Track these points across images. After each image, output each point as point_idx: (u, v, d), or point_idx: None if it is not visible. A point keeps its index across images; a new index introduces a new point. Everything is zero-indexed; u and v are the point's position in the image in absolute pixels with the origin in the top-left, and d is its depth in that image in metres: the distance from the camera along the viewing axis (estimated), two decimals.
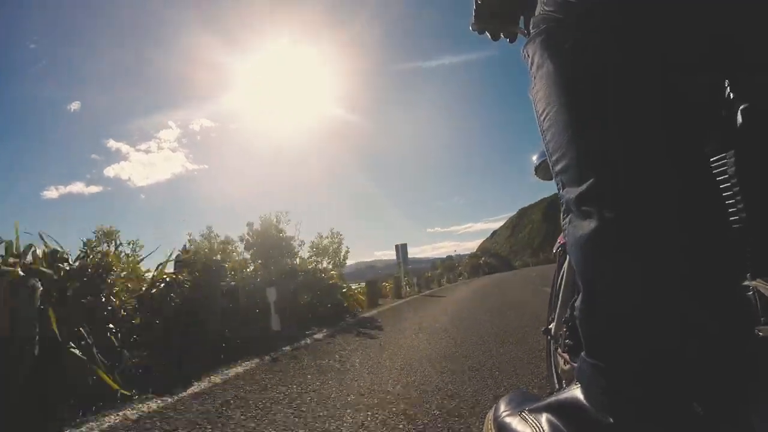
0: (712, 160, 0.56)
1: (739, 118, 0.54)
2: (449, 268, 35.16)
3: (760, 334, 0.48)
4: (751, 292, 0.51)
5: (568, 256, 1.06)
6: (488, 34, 0.93)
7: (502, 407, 0.68)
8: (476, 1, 0.88)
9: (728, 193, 0.53)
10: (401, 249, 12.61)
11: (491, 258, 46.09)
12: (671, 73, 0.49)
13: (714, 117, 0.56)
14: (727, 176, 0.54)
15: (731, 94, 0.54)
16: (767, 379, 0.43)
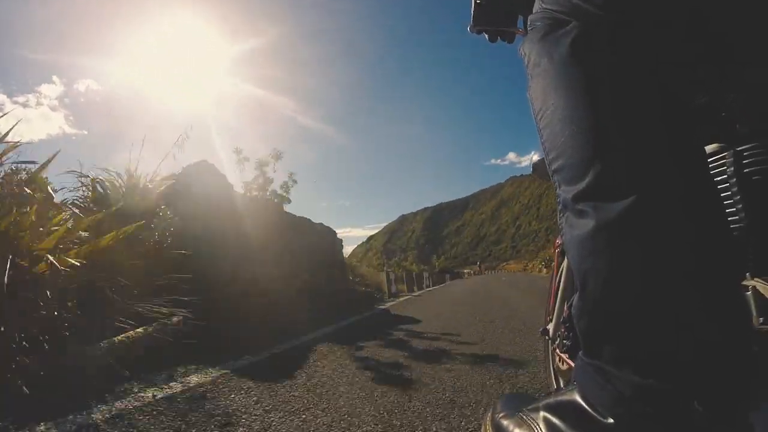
0: (710, 159, 0.56)
1: (738, 120, 0.55)
2: None
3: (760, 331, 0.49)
4: (749, 292, 0.52)
5: (566, 257, 1.06)
6: (486, 36, 0.94)
7: (499, 408, 0.67)
8: (475, 2, 0.89)
9: (727, 193, 0.54)
10: None
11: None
12: (668, 72, 0.49)
13: (712, 117, 0.57)
14: (726, 176, 0.54)
15: (726, 92, 0.54)
16: (766, 377, 0.43)
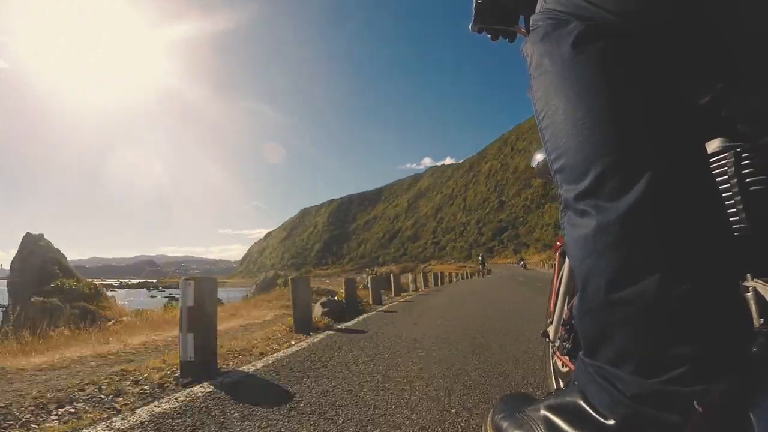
0: (711, 159, 0.57)
1: (739, 120, 0.56)
2: None
3: (760, 332, 0.49)
4: (749, 293, 0.52)
5: (566, 259, 1.07)
6: (488, 35, 0.93)
7: (500, 409, 0.67)
8: (476, 1, 0.89)
9: (728, 193, 0.55)
10: None
11: None
12: (670, 72, 0.50)
13: (713, 117, 0.58)
14: (726, 176, 0.55)
15: (728, 92, 0.55)
16: (765, 377, 0.43)
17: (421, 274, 15.04)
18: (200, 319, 2.34)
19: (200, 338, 2.30)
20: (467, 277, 25.76)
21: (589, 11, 0.51)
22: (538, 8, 0.61)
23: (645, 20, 0.49)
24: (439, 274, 17.36)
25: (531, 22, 0.61)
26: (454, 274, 23.56)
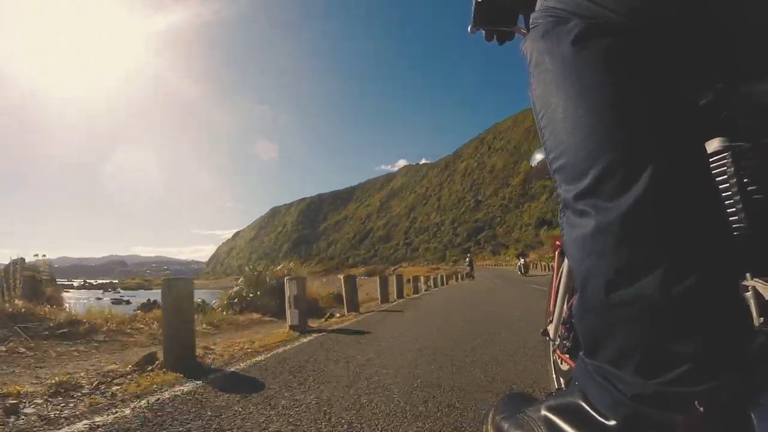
0: (711, 159, 0.57)
1: (739, 119, 0.56)
2: None
3: (760, 331, 0.50)
4: (749, 292, 0.53)
5: (566, 258, 1.08)
6: (485, 34, 0.93)
7: (501, 409, 0.67)
8: (475, 1, 0.88)
9: (727, 193, 0.55)
10: None
11: None
12: (673, 73, 0.50)
13: (713, 116, 0.58)
14: (726, 176, 0.56)
15: (728, 92, 0.55)
16: (766, 377, 0.44)
17: (348, 284, 6.44)
18: None
19: None
20: (443, 283, 18.46)
21: (590, 9, 0.51)
22: (538, 6, 0.60)
23: (649, 17, 0.49)
24: (395, 279, 10.12)
25: (531, 20, 0.61)
26: (423, 280, 15.16)
